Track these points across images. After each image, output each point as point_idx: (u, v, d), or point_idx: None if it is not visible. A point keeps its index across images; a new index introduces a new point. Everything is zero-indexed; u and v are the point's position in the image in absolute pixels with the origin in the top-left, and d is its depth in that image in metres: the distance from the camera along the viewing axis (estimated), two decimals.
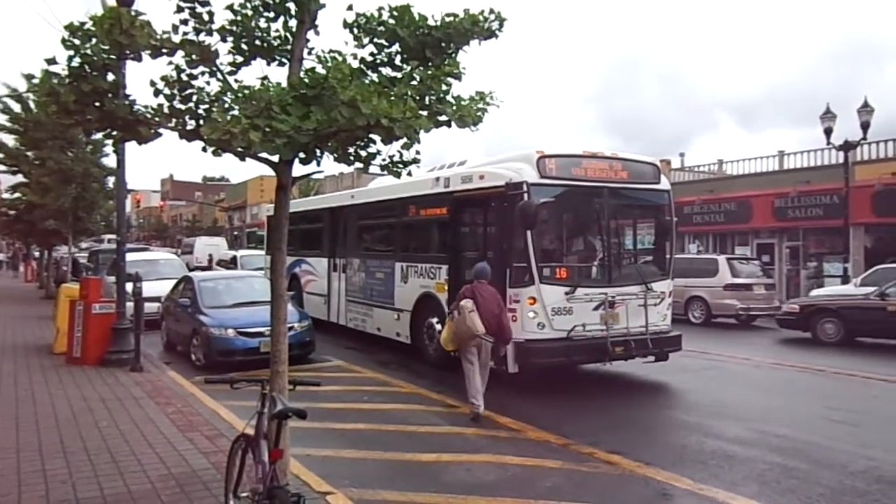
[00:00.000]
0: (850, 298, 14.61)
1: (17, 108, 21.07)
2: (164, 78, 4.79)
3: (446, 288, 10.18)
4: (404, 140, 4.64)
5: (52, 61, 4.53)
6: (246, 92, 4.51)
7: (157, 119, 4.80)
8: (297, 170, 5.11)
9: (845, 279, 18.75)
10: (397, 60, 5.12)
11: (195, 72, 4.86)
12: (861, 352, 13.18)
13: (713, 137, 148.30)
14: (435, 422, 7.52)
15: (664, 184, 10.21)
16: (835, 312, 14.23)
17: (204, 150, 4.67)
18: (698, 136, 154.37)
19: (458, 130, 4.95)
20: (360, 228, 13.77)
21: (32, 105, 19.67)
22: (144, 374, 9.69)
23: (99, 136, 6.63)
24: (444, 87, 4.80)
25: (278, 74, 6.00)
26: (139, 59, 4.67)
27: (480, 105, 4.89)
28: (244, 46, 4.98)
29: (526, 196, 8.67)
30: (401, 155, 4.91)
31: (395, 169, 5.00)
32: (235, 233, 55.08)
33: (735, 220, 25.57)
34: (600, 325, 8.98)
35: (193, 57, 4.81)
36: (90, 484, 5.13)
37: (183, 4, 4.76)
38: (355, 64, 4.93)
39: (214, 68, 4.92)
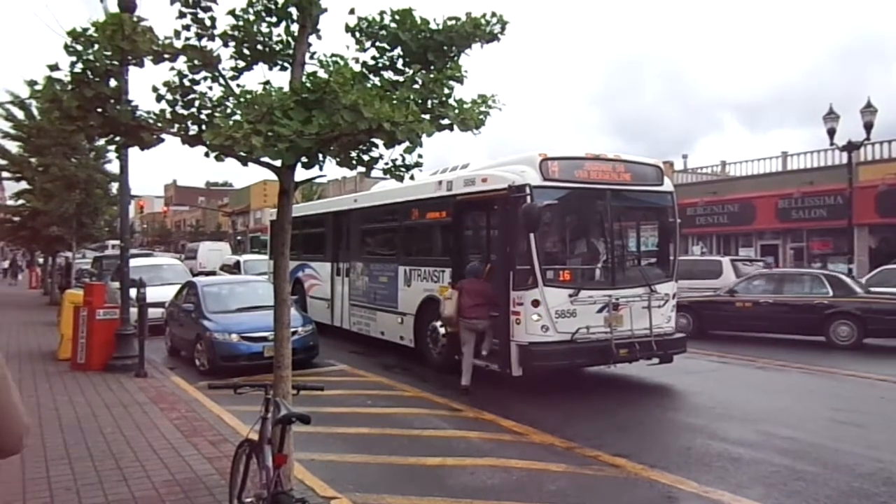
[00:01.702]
0: (703, 295, 15.94)
1: (20, 114, 21.14)
2: (166, 83, 4.81)
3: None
4: (406, 144, 4.64)
5: (54, 67, 4.55)
6: (248, 97, 4.52)
7: (159, 124, 4.82)
8: (300, 174, 5.11)
9: None
10: (399, 64, 5.12)
11: (197, 77, 4.88)
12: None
13: (717, 138, 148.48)
14: (439, 425, 7.50)
15: (667, 185, 10.18)
16: (688, 308, 14.98)
17: (206, 155, 4.68)
18: (702, 137, 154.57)
19: (461, 134, 4.95)
20: (363, 232, 13.77)
21: (35, 111, 19.74)
22: (148, 379, 9.69)
23: (102, 142, 6.67)
24: (446, 91, 4.81)
25: (280, 79, 5.98)
26: (141, 64, 4.69)
27: (483, 108, 4.89)
28: (246, 51, 4.99)
29: (529, 199, 8.65)
30: (403, 159, 4.92)
31: (397, 173, 5.01)
32: (239, 237, 55.15)
33: (739, 221, 25.55)
34: (604, 327, 8.96)
35: (195, 62, 4.82)
36: (94, 490, 5.13)
37: (185, 10, 4.78)
38: (357, 68, 4.94)
39: (216, 73, 4.93)
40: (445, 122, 4.81)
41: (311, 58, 4.99)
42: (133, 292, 10.45)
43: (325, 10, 4.90)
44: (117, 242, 15.16)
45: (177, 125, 4.82)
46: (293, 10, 4.85)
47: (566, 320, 8.81)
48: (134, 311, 10.39)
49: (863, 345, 13.20)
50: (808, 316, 13.79)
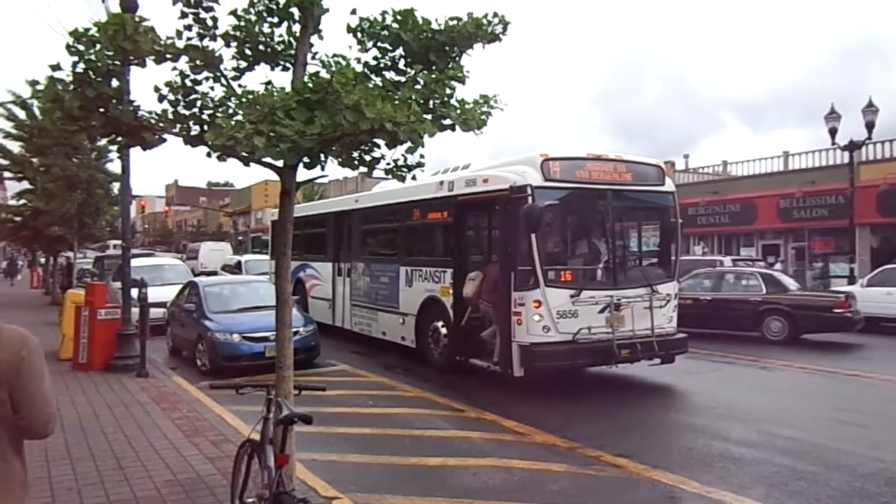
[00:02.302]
0: None
1: (22, 114, 21.17)
2: (168, 83, 4.80)
3: (451, 292, 10.16)
4: (408, 144, 4.64)
5: (56, 67, 4.55)
6: (250, 97, 4.52)
7: (161, 125, 4.82)
8: (302, 174, 5.11)
9: (851, 279, 18.68)
10: (401, 64, 5.12)
11: (199, 77, 4.88)
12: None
13: (718, 138, 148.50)
14: (440, 426, 7.50)
15: (669, 185, 10.17)
16: None
17: (208, 155, 4.68)
18: (704, 137, 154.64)
19: (463, 134, 4.94)
20: (364, 232, 13.77)
21: (37, 111, 19.77)
22: (150, 379, 9.70)
23: (103, 142, 6.67)
24: (448, 91, 4.80)
25: (282, 79, 5.99)
26: (143, 64, 4.69)
27: (484, 108, 4.88)
28: (248, 51, 4.99)
29: (530, 199, 8.65)
30: (405, 159, 4.91)
31: (399, 173, 5.00)
32: (240, 238, 55.18)
33: (740, 221, 25.51)
34: (606, 327, 8.95)
35: (197, 62, 4.82)
36: (96, 490, 5.13)
37: (187, 10, 4.78)
38: (359, 68, 4.93)
39: (218, 73, 4.93)
40: (447, 122, 4.81)
41: (313, 58, 4.99)
42: (134, 292, 10.45)
43: (327, 10, 4.90)
44: (119, 242, 15.20)
45: (179, 125, 4.82)
46: (295, 11, 4.85)
47: (568, 321, 8.80)
48: (135, 311, 10.39)
49: (795, 340, 13.64)
50: (743, 312, 14.34)
